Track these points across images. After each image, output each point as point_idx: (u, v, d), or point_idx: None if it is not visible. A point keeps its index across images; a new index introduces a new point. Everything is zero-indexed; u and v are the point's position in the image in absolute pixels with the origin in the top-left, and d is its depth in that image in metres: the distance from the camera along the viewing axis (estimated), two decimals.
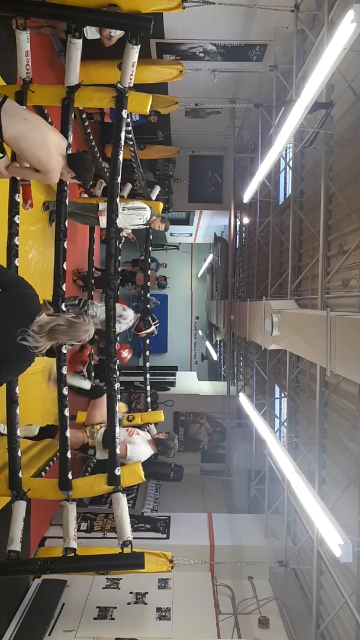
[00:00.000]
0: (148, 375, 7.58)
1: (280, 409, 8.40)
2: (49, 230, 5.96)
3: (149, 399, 7.37)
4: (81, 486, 4.31)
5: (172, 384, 12.13)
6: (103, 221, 6.05)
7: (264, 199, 8.33)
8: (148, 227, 6.50)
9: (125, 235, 7.20)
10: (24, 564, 4.31)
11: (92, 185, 7.64)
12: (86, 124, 5.33)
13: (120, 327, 6.38)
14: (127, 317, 6.53)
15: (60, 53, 6.46)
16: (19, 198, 4.16)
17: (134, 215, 6.19)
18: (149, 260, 8.22)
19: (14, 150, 3.23)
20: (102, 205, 6.18)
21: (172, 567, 4.51)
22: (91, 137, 5.74)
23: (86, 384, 6.22)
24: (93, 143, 5.93)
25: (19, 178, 4.01)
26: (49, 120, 4.80)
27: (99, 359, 7.86)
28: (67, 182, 4.10)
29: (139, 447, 4.70)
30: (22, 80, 4.10)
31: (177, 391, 11.14)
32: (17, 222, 4.11)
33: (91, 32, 5.17)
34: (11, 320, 2.51)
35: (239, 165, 10.82)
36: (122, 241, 7.31)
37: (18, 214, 4.13)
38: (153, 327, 7.08)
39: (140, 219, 6.24)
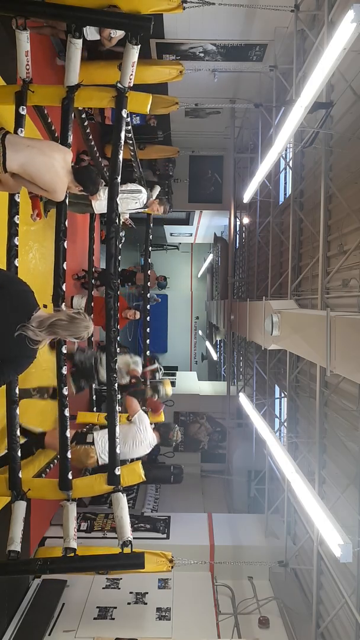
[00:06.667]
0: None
1: (280, 409, 8.39)
2: (49, 230, 5.93)
3: None
4: (81, 486, 4.32)
5: (172, 384, 12.10)
6: (96, 206, 5.86)
7: (264, 199, 8.33)
8: (145, 208, 6.33)
9: (123, 220, 7.06)
10: (24, 564, 4.32)
11: None
12: (85, 124, 5.32)
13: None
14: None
15: (60, 53, 6.46)
16: (18, 198, 4.16)
17: (129, 199, 6.01)
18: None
19: (24, 177, 3.29)
20: None
21: (172, 567, 4.51)
22: (91, 137, 5.73)
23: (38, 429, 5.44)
24: (92, 143, 5.91)
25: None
26: (49, 119, 4.80)
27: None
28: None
29: (149, 432, 4.76)
30: (22, 80, 4.10)
31: (177, 391, 11.09)
32: (17, 222, 4.11)
33: (91, 33, 5.17)
34: (9, 318, 2.50)
35: (239, 165, 10.81)
36: (122, 241, 7.25)
37: (18, 214, 4.12)
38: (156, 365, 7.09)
39: (136, 202, 6.04)
